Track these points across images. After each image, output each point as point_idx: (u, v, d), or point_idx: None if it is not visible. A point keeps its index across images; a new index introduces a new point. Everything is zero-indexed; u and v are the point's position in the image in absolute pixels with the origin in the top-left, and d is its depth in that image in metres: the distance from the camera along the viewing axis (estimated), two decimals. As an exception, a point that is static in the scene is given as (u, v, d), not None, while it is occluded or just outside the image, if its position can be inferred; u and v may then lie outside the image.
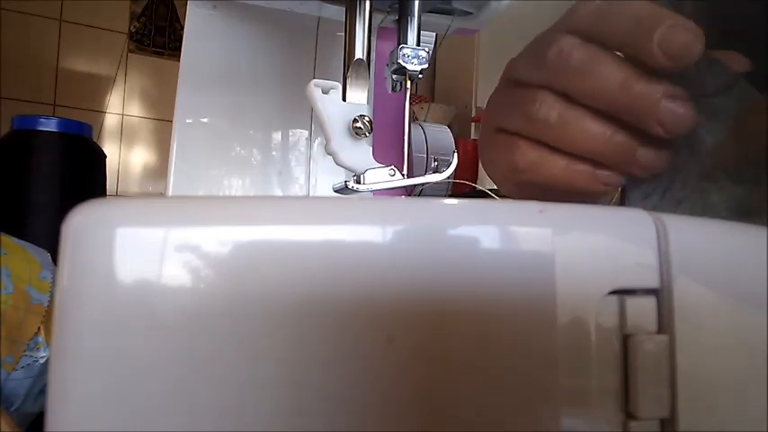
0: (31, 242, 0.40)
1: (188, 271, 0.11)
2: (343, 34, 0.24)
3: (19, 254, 0.37)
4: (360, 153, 0.23)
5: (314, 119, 0.46)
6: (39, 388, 0.36)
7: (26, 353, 0.34)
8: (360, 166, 0.24)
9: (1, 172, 0.52)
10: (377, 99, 0.38)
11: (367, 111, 0.23)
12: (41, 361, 0.35)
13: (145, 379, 0.11)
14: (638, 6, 0.22)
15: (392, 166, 0.25)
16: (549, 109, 0.23)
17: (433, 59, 0.30)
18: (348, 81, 0.23)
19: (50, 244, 0.44)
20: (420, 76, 0.25)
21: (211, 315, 0.11)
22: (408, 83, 0.26)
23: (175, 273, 0.11)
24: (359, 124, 0.22)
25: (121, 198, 0.13)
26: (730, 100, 0.21)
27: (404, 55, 0.25)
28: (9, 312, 0.33)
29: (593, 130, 0.23)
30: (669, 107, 0.21)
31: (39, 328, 0.35)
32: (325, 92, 0.22)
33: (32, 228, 0.50)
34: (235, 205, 0.12)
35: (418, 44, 0.25)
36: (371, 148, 0.23)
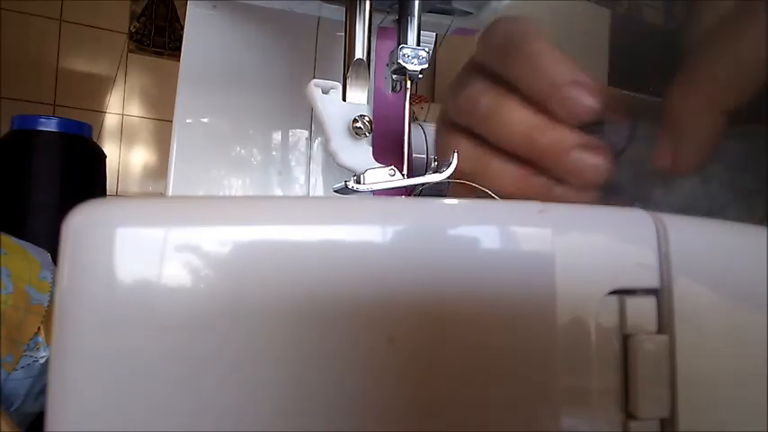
0: (31, 242, 0.40)
1: (188, 271, 0.11)
2: (343, 34, 0.24)
3: (19, 254, 0.37)
4: (360, 153, 0.23)
5: (314, 119, 0.46)
6: (39, 388, 0.36)
7: (26, 353, 0.34)
8: (360, 166, 0.24)
9: (1, 172, 0.52)
10: (377, 99, 0.38)
11: (367, 111, 0.23)
12: (41, 361, 0.35)
13: (145, 379, 0.11)
14: (537, 52, 0.21)
15: (392, 167, 0.25)
16: (466, 153, 0.23)
17: (433, 59, 0.30)
18: (348, 81, 0.23)
19: (50, 244, 0.44)
20: (420, 76, 0.25)
21: (211, 315, 0.11)
22: (408, 83, 0.26)
23: (175, 273, 0.11)
24: (359, 124, 0.22)
25: (121, 198, 0.13)
26: (639, 148, 0.20)
27: (404, 55, 0.24)
28: (9, 312, 0.33)
29: (509, 174, 0.22)
30: (580, 159, 0.21)
31: (39, 328, 0.35)
32: (325, 92, 0.22)
33: (32, 228, 0.50)
34: (235, 205, 0.12)
35: (418, 44, 0.25)
36: (371, 148, 0.23)
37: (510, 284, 0.12)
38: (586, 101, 0.21)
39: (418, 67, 0.25)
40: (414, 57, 0.25)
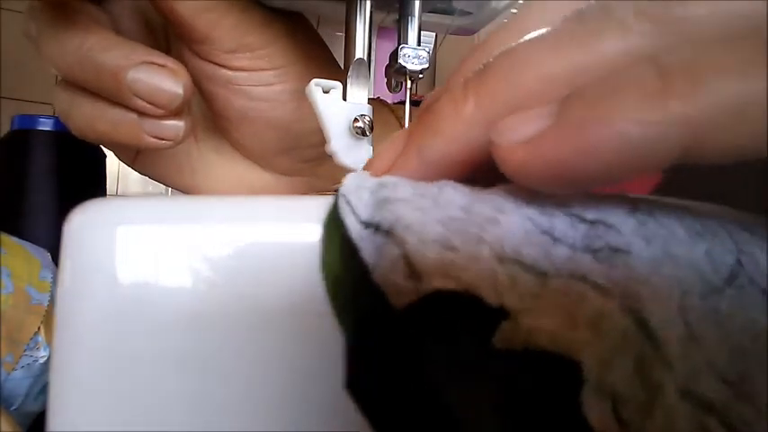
0: (31, 242, 0.40)
1: (188, 271, 0.11)
2: (343, 34, 0.24)
3: (19, 253, 0.37)
4: (360, 153, 0.23)
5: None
6: (39, 388, 0.36)
7: (26, 352, 0.34)
8: (360, 165, 0.24)
9: (1, 172, 0.52)
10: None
11: (367, 110, 0.23)
12: (41, 361, 0.35)
13: (145, 378, 0.11)
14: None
15: None
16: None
17: (433, 59, 0.30)
18: (348, 81, 0.23)
19: (50, 244, 0.44)
20: (421, 76, 0.25)
21: (212, 315, 0.11)
22: (408, 83, 0.25)
23: (175, 272, 0.11)
24: (359, 124, 0.22)
25: (122, 198, 0.13)
26: None
27: (404, 55, 0.24)
28: (9, 312, 0.33)
29: (86, 111, 0.21)
30: (138, 80, 0.19)
31: (39, 327, 0.35)
32: (325, 91, 0.22)
33: (32, 227, 0.50)
34: (235, 205, 0.12)
35: (419, 44, 0.25)
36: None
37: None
38: (162, 83, 0.20)
39: (418, 67, 0.25)
40: (414, 57, 0.25)
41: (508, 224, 0.10)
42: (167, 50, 0.26)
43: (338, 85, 0.23)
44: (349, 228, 0.11)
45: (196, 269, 0.11)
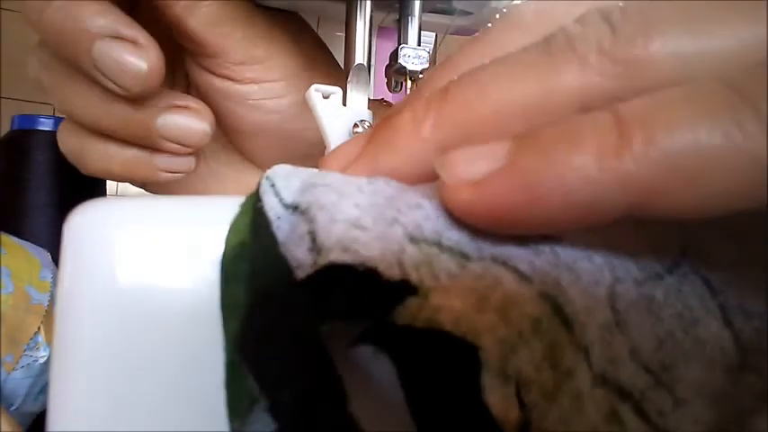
0: (31, 242, 0.40)
1: (188, 270, 0.11)
2: (343, 34, 0.24)
3: (19, 253, 0.37)
4: None
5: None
6: (39, 387, 0.36)
7: (26, 352, 0.34)
8: None
9: (1, 171, 0.52)
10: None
11: (368, 116, 0.23)
12: (41, 360, 0.35)
13: (145, 378, 0.11)
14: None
15: None
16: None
17: (433, 59, 0.30)
18: (348, 86, 0.23)
19: (50, 244, 0.44)
20: (421, 75, 0.25)
21: (211, 315, 0.11)
22: (409, 83, 0.25)
23: (175, 272, 0.11)
24: (359, 129, 0.22)
25: (122, 198, 0.13)
26: None
27: (404, 55, 0.24)
28: (9, 312, 0.33)
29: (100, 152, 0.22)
30: (106, 52, 0.18)
31: (39, 327, 0.35)
32: (325, 96, 0.22)
33: (32, 227, 0.50)
34: (235, 205, 0.12)
35: (419, 44, 0.25)
36: None
37: None
38: (191, 125, 0.20)
39: (419, 67, 0.25)
40: (414, 57, 0.25)
41: (434, 209, 0.10)
42: (173, 69, 0.26)
43: (338, 90, 0.23)
44: (266, 204, 0.11)
45: (196, 269, 0.11)
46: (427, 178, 0.11)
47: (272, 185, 0.11)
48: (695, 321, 0.11)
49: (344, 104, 0.23)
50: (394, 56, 0.25)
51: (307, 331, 0.10)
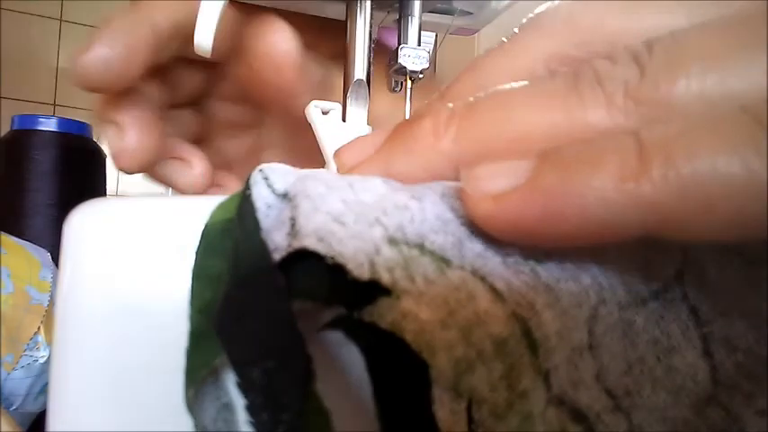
0: (31, 242, 0.40)
1: (188, 270, 0.11)
2: (343, 34, 0.24)
3: (19, 253, 0.37)
4: None
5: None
6: (39, 387, 0.36)
7: (26, 352, 0.34)
8: None
9: (1, 171, 0.52)
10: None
11: (367, 131, 0.23)
12: (41, 360, 0.35)
13: (145, 378, 0.11)
14: None
15: None
16: None
17: (433, 59, 0.30)
18: (348, 101, 0.23)
19: (50, 244, 0.44)
20: (421, 75, 0.25)
21: (212, 315, 0.11)
22: (409, 82, 0.26)
23: (176, 272, 0.11)
24: None
25: (122, 198, 0.13)
26: None
27: (404, 55, 0.24)
28: (9, 312, 0.33)
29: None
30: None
31: (38, 327, 0.35)
32: (324, 112, 0.22)
33: (32, 227, 0.50)
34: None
35: (419, 44, 0.25)
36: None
37: None
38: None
39: (419, 67, 0.25)
40: (414, 57, 0.25)
41: (420, 211, 0.10)
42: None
43: (337, 106, 0.23)
44: (254, 193, 0.11)
45: (196, 269, 0.11)
46: None
47: (266, 178, 0.11)
48: (671, 349, 0.11)
49: (344, 120, 0.23)
50: (394, 56, 0.25)
51: (279, 310, 0.10)
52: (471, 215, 0.10)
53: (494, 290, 0.10)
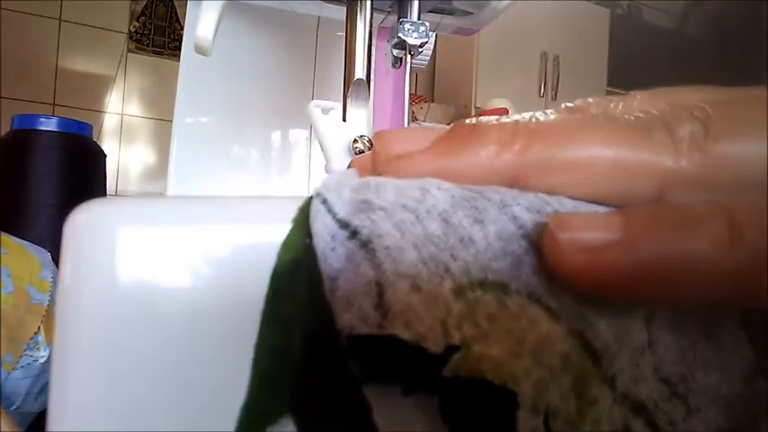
0: (31, 242, 0.40)
1: (188, 270, 0.11)
2: (343, 34, 0.24)
3: (19, 253, 0.37)
4: None
5: (313, 135, 0.46)
6: (39, 387, 0.36)
7: (26, 352, 0.34)
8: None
9: (1, 171, 0.52)
10: (377, 100, 0.38)
11: (367, 131, 0.23)
12: (41, 360, 0.35)
13: (145, 379, 0.11)
14: None
15: None
16: None
17: (432, 59, 0.30)
18: (348, 101, 0.23)
19: (50, 244, 0.44)
20: (420, 50, 0.25)
21: (211, 315, 0.11)
22: (409, 57, 0.25)
23: (176, 272, 0.11)
24: (359, 144, 0.22)
25: (122, 198, 0.13)
26: None
27: (404, 28, 0.24)
28: (9, 312, 0.33)
29: None
30: None
31: (39, 327, 0.35)
32: (324, 112, 0.22)
33: (32, 227, 0.50)
34: (235, 205, 0.12)
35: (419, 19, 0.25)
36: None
37: None
38: None
39: (418, 41, 0.24)
40: (414, 30, 0.24)
41: (483, 239, 0.11)
42: None
43: (337, 106, 0.23)
44: (316, 230, 0.11)
45: (196, 269, 0.11)
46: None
47: (324, 201, 0.11)
48: (716, 330, 0.11)
49: (344, 120, 0.23)
50: (394, 30, 0.25)
51: (350, 383, 0.10)
52: (556, 263, 0.10)
53: (549, 310, 0.10)
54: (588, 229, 0.10)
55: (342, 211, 0.11)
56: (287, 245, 0.11)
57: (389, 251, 0.10)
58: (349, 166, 0.13)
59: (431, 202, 0.11)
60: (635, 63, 2.34)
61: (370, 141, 0.23)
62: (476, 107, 1.99)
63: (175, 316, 0.11)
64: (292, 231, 0.11)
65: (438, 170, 0.12)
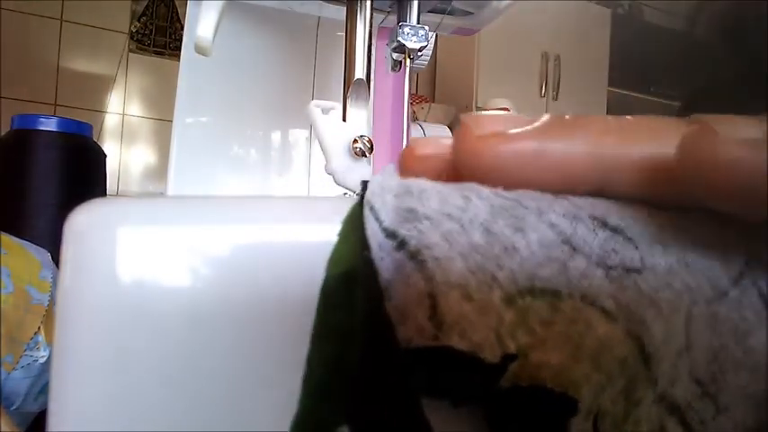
0: (32, 242, 0.40)
1: (188, 270, 0.11)
2: (344, 34, 0.24)
3: (19, 253, 0.37)
4: (360, 173, 0.23)
5: (313, 136, 0.46)
6: (39, 387, 0.36)
7: (26, 352, 0.34)
8: (360, 185, 0.24)
9: (1, 171, 0.52)
10: (377, 100, 0.38)
11: (366, 131, 0.23)
12: (41, 360, 0.35)
13: (145, 379, 0.11)
14: None
15: None
16: None
17: (433, 59, 0.30)
18: (348, 102, 0.23)
19: (51, 244, 0.44)
20: (420, 54, 0.25)
21: (212, 315, 0.11)
22: (408, 60, 0.25)
23: (176, 272, 0.11)
24: (359, 144, 0.22)
25: (122, 198, 0.13)
26: None
27: (404, 32, 0.24)
28: (9, 312, 0.33)
29: None
30: None
31: (39, 327, 0.35)
32: (324, 112, 0.22)
33: (33, 227, 0.50)
34: (235, 205, 0.12)
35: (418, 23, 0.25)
36: (372, 168, 0.23)
37: None
38: None
39: (417, 45, 0.24)
40: (413, 34, 0.24)
41: (526, 248, 0.11)
42: None
43: (337, 106, 0.23)
44: (371, 239, 0.11)
45: (196, 269, 0.11)
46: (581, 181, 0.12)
47: (372, 208, 0.11)
48: (748, 332, 0.11)
49: (344, 120, 0.23)
50: (394, 34, 0.25)
51: (408, 398, 0.10)
52: (710, 167, 0.10)
53: (605, 312, 0.10)
54: (495, 124, 0.12)
55: (387, 220, 0.11)
56: (336, 258, 0.11)
57: (439, 262, 0.10)
58: (410, 156, 0.13)
59: (473, 212, 0.11)
60: (636, 63, 2.34)
61: (370, 141, 0.23)
62: (476, 107, 1.99)
63: (175, 316, 0.11)
64: (340, 243, 0.11)
65: (537, 151, 0.12)
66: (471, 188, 0.11)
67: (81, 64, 1.75)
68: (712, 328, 0.11)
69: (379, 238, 0.11)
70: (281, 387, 0.11)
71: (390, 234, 0.11)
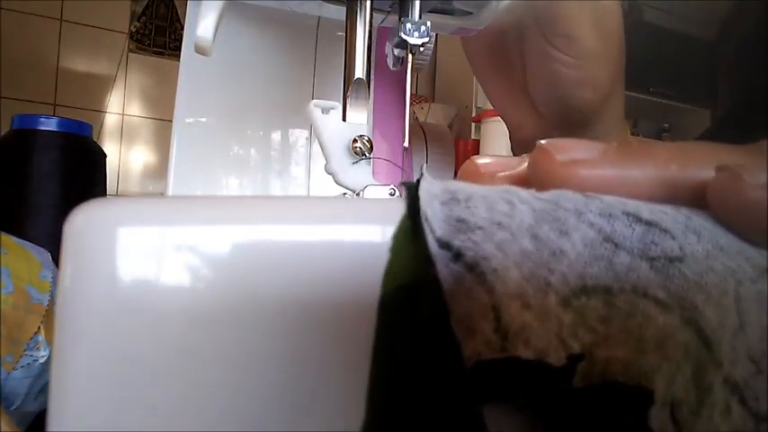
0: (32, 242, 0.40)
1: (188, 270, 0.11)
2: (343, 34, 0.24)
3: (19, 253, 0.37)
4: (360, 173, 0.23)
5: (312, 136, 0.46)
6: (39, 387, 0.36)
7: (26, 352, 0.34)
8: (359, 185, 0.24)
9: (1, 171, 0.52)
10: (377, 100, 0.38)
11: (367, 131, 0.23)
12: (41, 360, 0.35)
13: (145, 378, 0.11)
14: None
15: (392, 186, 0.25)
16: None
17: (433, 59, 0.30)
18: (348, 101, 0.23)
19: (51, 244, 0.44)
20: (422, 49, 0.25)
21: (212, 315, 0.11)
22: (410, 56, 0.25)
23: (176, 272, 0.11)
24: (358, 144, 0.22)
25: (122, 198, 0.13)
26: None
27: (406, 28, 0.24)
28: (9, 312, 0.33)
29: None
30: None
31: (39, 327, 0.35)
32: (324, 112, 0.22)
33: (32, 227, 0.50)
34: (235, 205, 0.12)
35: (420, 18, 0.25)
36: (372, 168, 0.23)
37: None
38: None
39: (420, 41, 0.24)
40: (416, 30, 0.24)
41: (572, 249, 0.11)
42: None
43: (337, 105, 0.22)
44: (429, 247, 0.11)
45: (196, 269, 0.11)
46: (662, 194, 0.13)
47: (426, 219, 0.11)
48: None
49: (344, 119, 0.23)
50: (396, 30, 0.25)
51: (476, 415, 0.10)
52: (552, 172, 0.12)
53: (659, 302, 0.11)
54: (574, 150, 0.13)
55: (439, 230, 0.11)
56: (392, 273, 0.11)
57: (497, 273, 0.11)
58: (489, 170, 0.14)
59: (519, 217, 0.11)
60: (636, 63, 2.34)
61: (369, 141, 0.22)
62: (476, 107, 1.99)
63: (175, 316, 0.11)
64: (395, 258, 0.11)
65: (616, 178, 0.13)
66: (509, 191, 0.12)
67: (81, 64, 1.75)
68: (761, 305, 0.11)
69: (433, 248, 0.11)
70: (282, 386, 0.11)
71: (444, 245, 0.11)
